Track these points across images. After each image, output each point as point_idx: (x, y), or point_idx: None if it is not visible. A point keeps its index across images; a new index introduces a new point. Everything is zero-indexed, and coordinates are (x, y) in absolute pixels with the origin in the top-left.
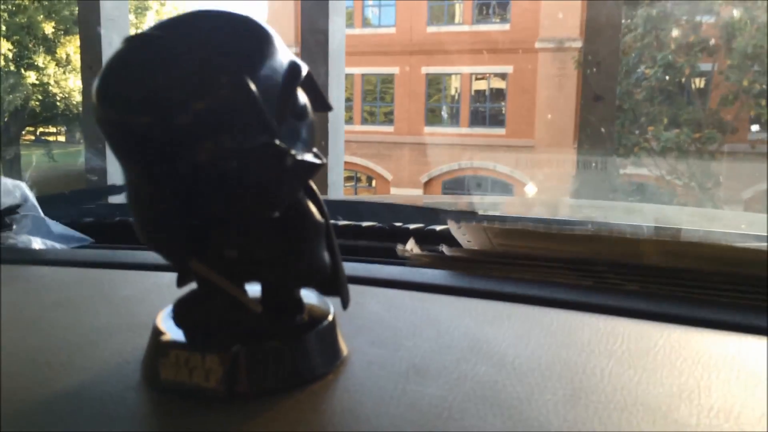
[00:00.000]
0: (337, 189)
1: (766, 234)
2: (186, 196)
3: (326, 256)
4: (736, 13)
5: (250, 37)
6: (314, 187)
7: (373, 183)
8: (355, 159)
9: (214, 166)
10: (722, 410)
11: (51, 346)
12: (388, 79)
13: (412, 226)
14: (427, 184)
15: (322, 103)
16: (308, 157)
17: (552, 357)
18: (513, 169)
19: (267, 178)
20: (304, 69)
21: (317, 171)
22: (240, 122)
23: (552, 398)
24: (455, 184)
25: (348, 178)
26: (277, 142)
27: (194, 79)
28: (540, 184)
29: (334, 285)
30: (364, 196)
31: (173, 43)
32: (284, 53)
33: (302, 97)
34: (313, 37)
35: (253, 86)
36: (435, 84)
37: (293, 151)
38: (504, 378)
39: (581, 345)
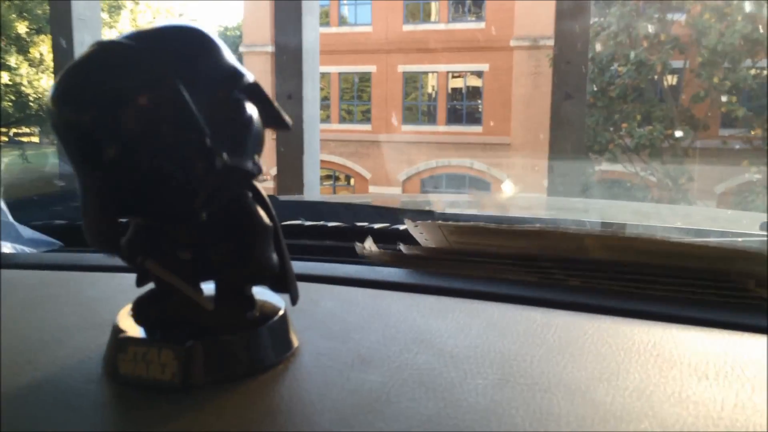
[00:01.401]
0: (314, 188)
1: (701, 229)
2: (127, 194)
3: (275, 256)
4: (706, 11)
5: (190, 45)
6: (262, 191)
7: (352, 182)
8: (334, 158)
9: (150, 163)
10: (636, 390)
11: (17, 344)
12: (365, 78)
13: (376, 226)
14: (406, 183)
15: (277, 120)
16: (245, 164)
17: (488, 346)
18: (489, 166)
19: (195, 176)
20: (246, 77)
21: (252, 178)
22: (172, 122)
23: (482, 382)
24: (433, 182)
25: (327, 177)
26: (207, 141)
27: (135, 81)
28: (516, 181)
29: (284, 282)
30: (326, 196)
31: (129, 50)
32: (228, 63)
33: (249, 109)
34: (286, 37)
35: (184, 91)
36: (412, 82)
37: (225, 155)
38: (441, 365)
39: (517, 335)
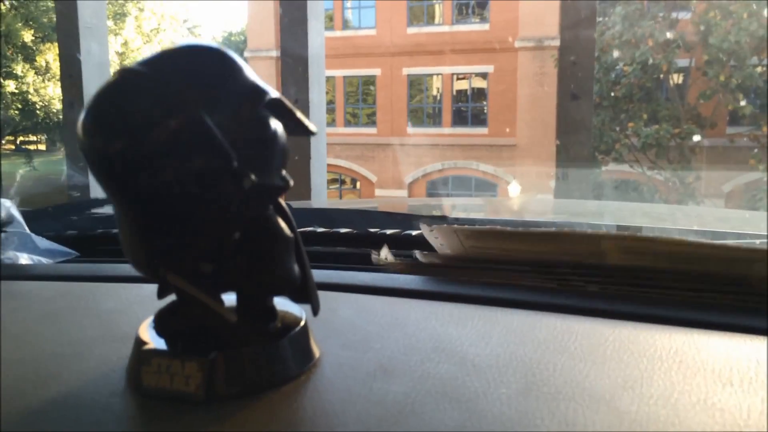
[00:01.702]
0: (321, 192)
1: (721, 231)
2: (156, 218)
3: (296, 267)
4: (712, 8)
5: (213, 71)
6: (283, 203)
7: (358, 185)
8: (340, 161)
9: (177, 189)
10: (661, 398)
11: (39, 358)
12: (369, 81)
13: (388, 232)
14: (412, 185)
15: (300, 127)
16: (271, 180)
17: (510, 354)
18: (496, 167)
19: (228, 200)
20: (269, 94)
21: (281, 194)
22: (198, 150)
23: (506, 392)
24: (439, 185)
25: (332, 181)
26: (235, 164)
27: (159, 111)
28: (522, 182)
29: (305, 293)
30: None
31: (149, 78)
32: (249, 80)
33: (272, 123)
34: (292, 41)
35: (207, 119)
36: (417, 85)
37: (252, 175)
38: (464, 375)
39: (538, 342)
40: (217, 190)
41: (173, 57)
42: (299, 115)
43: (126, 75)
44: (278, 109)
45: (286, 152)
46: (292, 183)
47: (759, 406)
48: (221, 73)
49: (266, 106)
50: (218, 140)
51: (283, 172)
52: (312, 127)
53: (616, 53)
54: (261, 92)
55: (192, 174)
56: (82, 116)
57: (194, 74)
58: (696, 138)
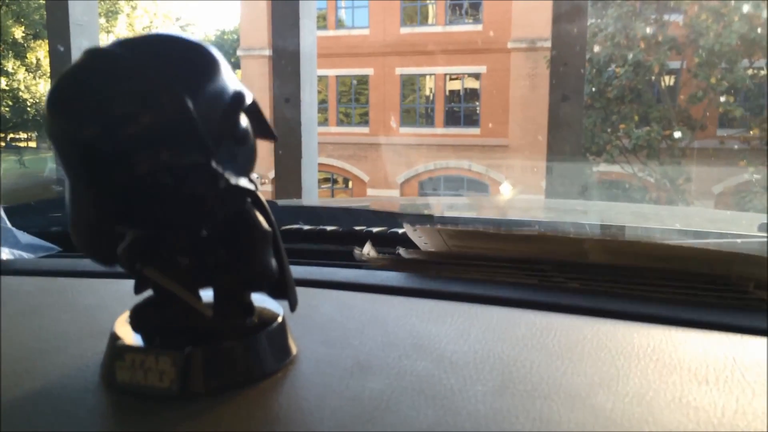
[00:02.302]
0: (312, 191)
1: (700, 230)
2: (123, 207)
3: (273, 262)
4: (703, 11)
5: (198, 63)
6: (261, 196)
7: (350, 184)
8: (332, 161)
9: (151, 179)
10: (637, 396)
11: (15, 352)
12: (362, 80)
13: (374, 230)
14: (404, 185)
15: (266, 131)
16: (243, 182)
17: (487, 351)
18: (487, 168)
19: (199, 196)
20: (249, 97)
21: (250, 196)
22: (178, 140)
23: (482, 389)
24: (431, 184)
25: (325, 180)
26: (213, 164)
27: (138, 96)
28: (514, 183)
29: (282, 289)
30: (325, 200)
31: (126, 60)
32: (231, 81)
33: (244, 122)
34: (284, 40)
35: (191, 107)
36: (410, 85)
37: (227, 175)
38: (440, 372)
39: (516, 339)
40: (191, 186)
41: (155, 42)
42: (267, 120)
43: (95, 53)
44: (252, 112)
45: (256, 154)
46: (260, 186)
47: (733, 405)
48: (207, 72)
49: (245, 109)
50: (201, 133)
51: (253, 175)
52: (275, 132)
53: (608, 54)
54: (243, 95)
55: (168, 166)
56: (50, 95)
57: (175, 63)
58: (686, 140)
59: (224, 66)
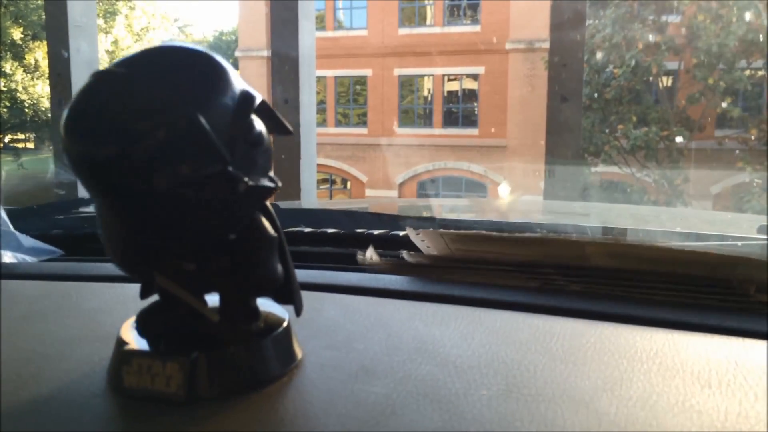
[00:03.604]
0: (311, 192)
1: (701, 233)
2: (147, 221)
3: (279, 267)
4: (701, 12)
5: (205, 73)
6: (268, 203)
7: (348, 185)
8: (330, 161)
9: (172, 193)
10: (640, 399)
11: (21, 357)
12: (361, 81)
13: (375, 232)
14: (403, 186)
15: (280, 127)
16: (262, 181)
17: (491, 355)
18: (486, 169)
19: (222, 203)
20: (257, 98)
21: (271, 194)
22: (193, 153)
23: (487, 393)
24: (430, 185)
25: (323, 181)
26: (230, 169)
27: (151, 114)
28: (512, 184)
29: (288, 294)
30: (325, 201)
31: (134, 80)
32: (238, 85)
33: (257, 125)
34: (283, 41)
35: (203, 121)
36: (408, 86)
37: (246, 178)
38: (445, 376)
39: (519, 343)
40: (212, 194)
41: (157, 57)
42: (279, 116)
43: (103, 76)
44: (262, 111)
45: (272, 153)
46: (280, 184)
47: (736, 408)
48: (209, 77)
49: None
50: (215, 143)
51: (271, 173)
52: (289, 126)
53: (606, 56)
54: (251, 96)
55: (187, 178)
56: (65, 115)
57: (180, 77)
58: (684, 140)
59: (230, 71)
